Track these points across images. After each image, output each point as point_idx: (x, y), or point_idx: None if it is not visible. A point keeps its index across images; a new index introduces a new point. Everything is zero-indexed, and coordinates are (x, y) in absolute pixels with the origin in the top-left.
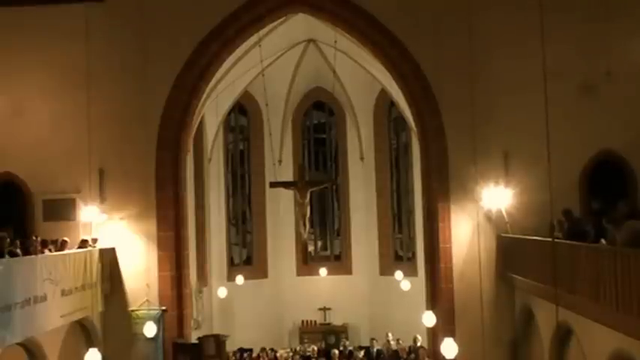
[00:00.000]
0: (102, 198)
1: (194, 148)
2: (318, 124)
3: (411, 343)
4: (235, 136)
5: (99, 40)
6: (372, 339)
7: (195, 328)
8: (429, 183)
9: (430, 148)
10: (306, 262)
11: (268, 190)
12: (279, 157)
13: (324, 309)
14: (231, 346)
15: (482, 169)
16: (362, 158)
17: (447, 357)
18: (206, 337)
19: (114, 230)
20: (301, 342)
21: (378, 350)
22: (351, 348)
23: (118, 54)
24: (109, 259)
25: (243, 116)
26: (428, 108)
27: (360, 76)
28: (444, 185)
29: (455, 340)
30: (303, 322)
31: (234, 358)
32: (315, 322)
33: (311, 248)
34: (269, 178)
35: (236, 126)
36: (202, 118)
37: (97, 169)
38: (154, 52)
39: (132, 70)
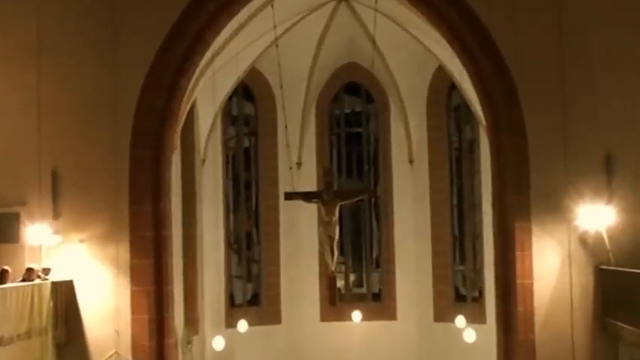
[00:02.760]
0: (55, 212)
1: (182, 145)
2: (352, 113)
3: None
4: (238, 129)
5: (53, 2)
6: None
7: None
8: (503, 195)
9: (505, 149)
10: (334, 303)
11: (282, 204)
12: (297, 159)
13: None
14: None
15: (576, 178)
16: (411, 161)
17: None
18: None
19: (72, 257)
20: None
21: None
22: None
23: (78, 19)
24: (64, 295)
25: (250, 102)
26: (503, 94)
27: (410, 48)
28: (523, 199)
29: None
30: None
31: None
32: None
33: (340, 284)
34: (284, 187)
35: (239, 116)
36: (194, 104)
37: (50, 173)
38: (129, 15)
39: (97, 41)
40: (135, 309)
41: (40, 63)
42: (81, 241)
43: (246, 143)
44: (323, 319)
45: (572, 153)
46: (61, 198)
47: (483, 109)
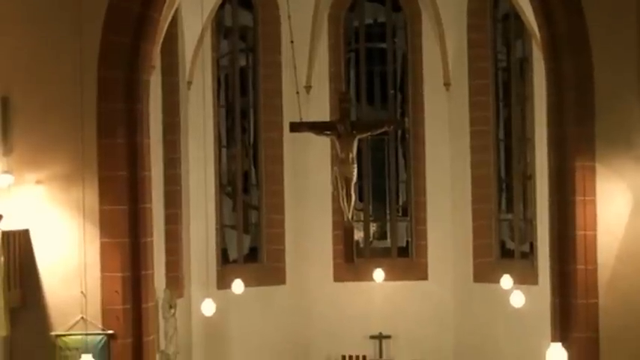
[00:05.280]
0: (6, 147)
1: (163, 64)
2: (374, 24)
3: None
4: (233, 44)
5: None
6: None
7: None
8: (561, 128)
9: (565, 69)
10: (351, 260)
11: (287, 137)
12: (306, 81)
13: (380, 337)
14: None
15: None
16: (447, 84)
17: None
18: None
19: (27, 201)
20: None
21: None
22: None
23: None
24: (18, 249)
25: (247, 10)
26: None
27: None
28: (586, 132)
29: None
30: (344, 358)
31: None
32: (365, 358)
33: (359, 235)
34: (289, 116)
35: (234, 27)
36: (177, 12)
37: None
38: None
39: None
40: (105, 266)
41: None
42: (38, 182)
43: (243, 62)
44: (337, 278)
45: None
46: (13, 129)
47: (538, 20)
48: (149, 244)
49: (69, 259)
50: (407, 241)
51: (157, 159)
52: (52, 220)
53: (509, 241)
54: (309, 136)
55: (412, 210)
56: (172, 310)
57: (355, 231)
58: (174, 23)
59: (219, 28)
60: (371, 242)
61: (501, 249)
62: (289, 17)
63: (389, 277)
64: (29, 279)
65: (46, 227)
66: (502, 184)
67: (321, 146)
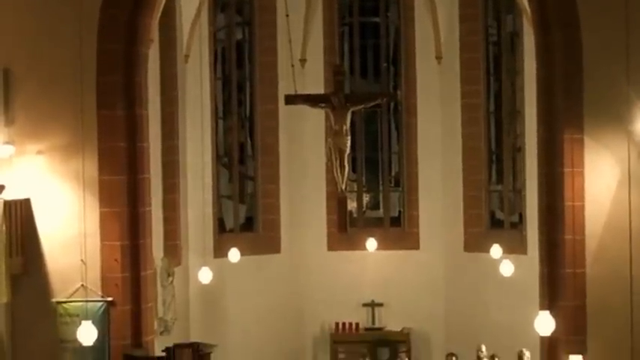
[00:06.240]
0: (8, 118)
1: (160, 37)
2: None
3: None
4: (229, 17)
5: None
6: (451, 355)
7: (162, 332)
8: (550, 101)
9: (554, 44)
10: (344, 229)
11: (283, 109)
12: (301, 55)
13: (373, 305)
14: None
15: None
16: (439, 58)
17: None
18: (179, 346)
19: (28, 171)
20: (334, 358)
21: None
22: None
23: None
24: (20, 217)
25: None
26: None
27: None
28: (574, 105)
29: (586, 358)
30: (337, 325)
31: None
32: (358, 325)
33: (352, 206)
34: (284, 89)
35: (231, 1)
36: None
37: (1, 71)
38: None
39: None
40: (105, 234)
41: None
42: (39, 152)
43: (239, 35)
44: (331, 247)
45: (635, 50)
46: (15, 101)
47: None
48: (147, 213)
49: (69, 227)
50: (399, 211)
51: (156, 131)
52: (52, 189)
53: (499, 212)
54: (304, 109)
55: (404, 181)
56: (170, 278)
57: (348, 201)
58: None
59: (216, 1)
60: (364, 212)
61: (491, 219)
62: None
63: (381, 246)
64: (30, 247)
65: (46, 197)
66: (492, 156)
67: (315, 118)
